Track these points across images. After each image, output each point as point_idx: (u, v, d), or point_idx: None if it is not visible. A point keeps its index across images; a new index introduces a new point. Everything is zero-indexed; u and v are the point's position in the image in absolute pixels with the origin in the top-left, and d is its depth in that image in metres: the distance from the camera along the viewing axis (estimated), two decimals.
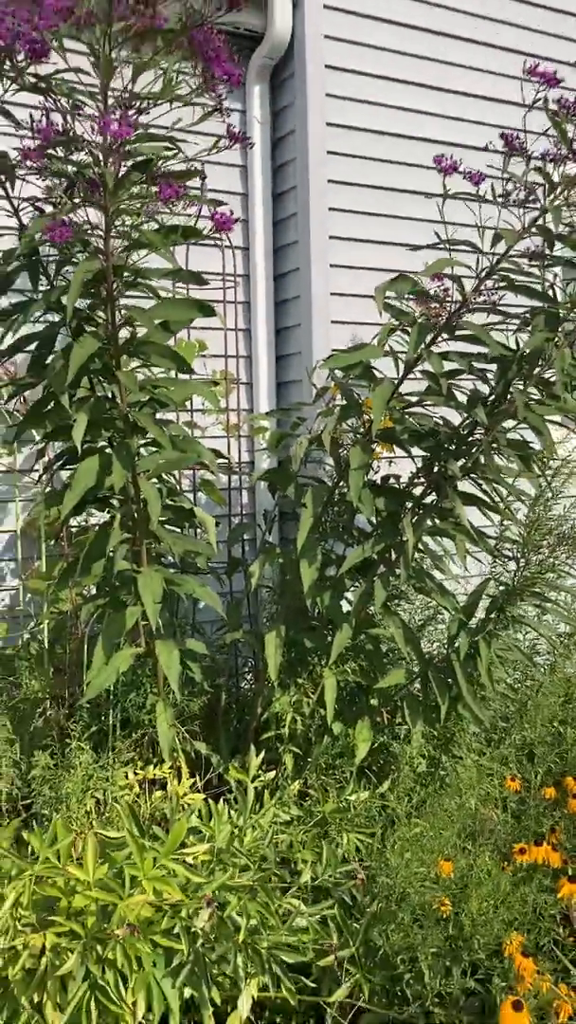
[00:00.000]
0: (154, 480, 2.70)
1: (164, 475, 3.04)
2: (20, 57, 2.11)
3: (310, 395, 3.43)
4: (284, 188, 4.13)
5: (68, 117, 2.28)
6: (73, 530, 3.34)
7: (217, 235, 2.31)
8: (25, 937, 1.81)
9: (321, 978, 2.19)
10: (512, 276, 2.57)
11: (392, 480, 3.01)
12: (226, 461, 3.58)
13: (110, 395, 2.61)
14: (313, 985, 2.15)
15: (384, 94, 4.10)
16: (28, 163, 2.20)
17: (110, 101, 2.19)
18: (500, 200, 2.49)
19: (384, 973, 2.07)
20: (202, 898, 1.79)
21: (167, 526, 2.94)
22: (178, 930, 1.85)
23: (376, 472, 3.18)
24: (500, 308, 2.66)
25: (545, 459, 2.75)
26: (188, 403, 3.71)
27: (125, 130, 2.01)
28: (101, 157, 2.14)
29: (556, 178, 2.46)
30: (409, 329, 2.55)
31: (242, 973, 1.92)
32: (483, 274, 2.54)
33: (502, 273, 2.61)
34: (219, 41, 2.12)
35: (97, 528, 2.71)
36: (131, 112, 2.25)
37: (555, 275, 2.66)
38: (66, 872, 1.86)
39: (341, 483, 2.79)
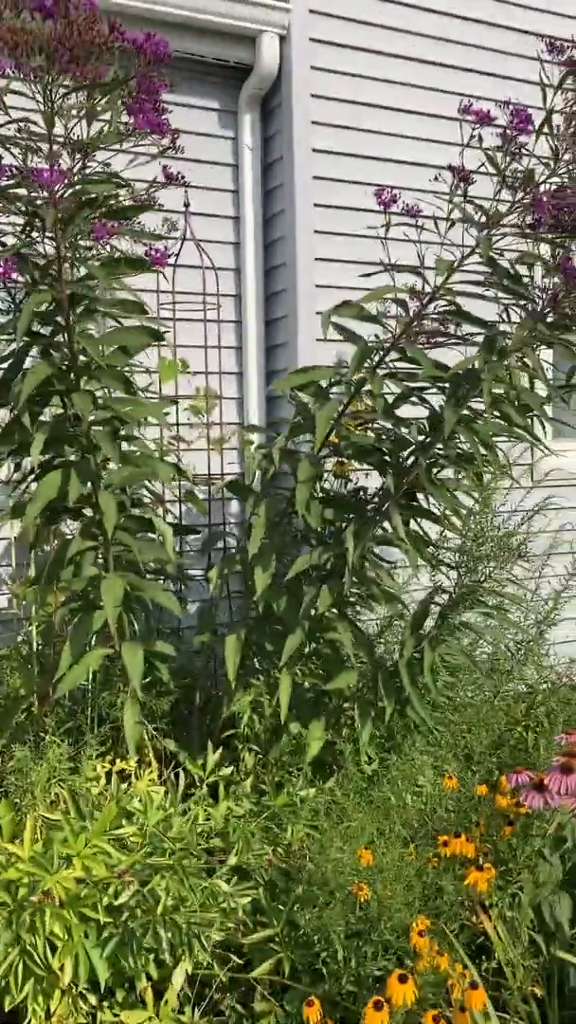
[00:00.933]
0: (117, 492, 2.89)
1: (135, 487, 3.24)
2: None
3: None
4: (274, 211, 4.31)
5: (23, 159, 2.48)
6: (69, 537, 3.54)
7: (156, 268, 2.49)
8: None
9: (253, 957, 2.35)
10: (455, 302, 2.72)
11: (361, 493, 3.17)
12: (194, 474, 3.77)
13: (77, 414, 2.81)
14: (241, 963, 2.31)
15: (366, 120, 4.27)
16: None
17: (55, 147, 2.40)
18: (439, 233, 2.64)
19: (305, 952, 2.23)
20: (120, 874, 1.97)
21: (143, 536, 3.13)
22: (106, 903, 2.03)
23: (352, 484, 3.34)
24: (445, 332, 2.81)
25: (493, 472, 2.88)
26: (173, 418, 3.91)
27: (57, 177, 2.21)
28: (45, 199, 2.34)
29: (493, 209, 2.61)
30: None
31: (165, 945, 2.09)
32: (426, 300, 2.69)
33: (448, 299, 2.75)
34: (149, 95, 2.29)
35: (67, 537, 2.92)
36: (79, 155, 2.46)
37: (496, 297, 2.79)
38: (3, 847, 2.06)
39: None
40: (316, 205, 4.18)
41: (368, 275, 2.88)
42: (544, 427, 3.21)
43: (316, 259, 4.19)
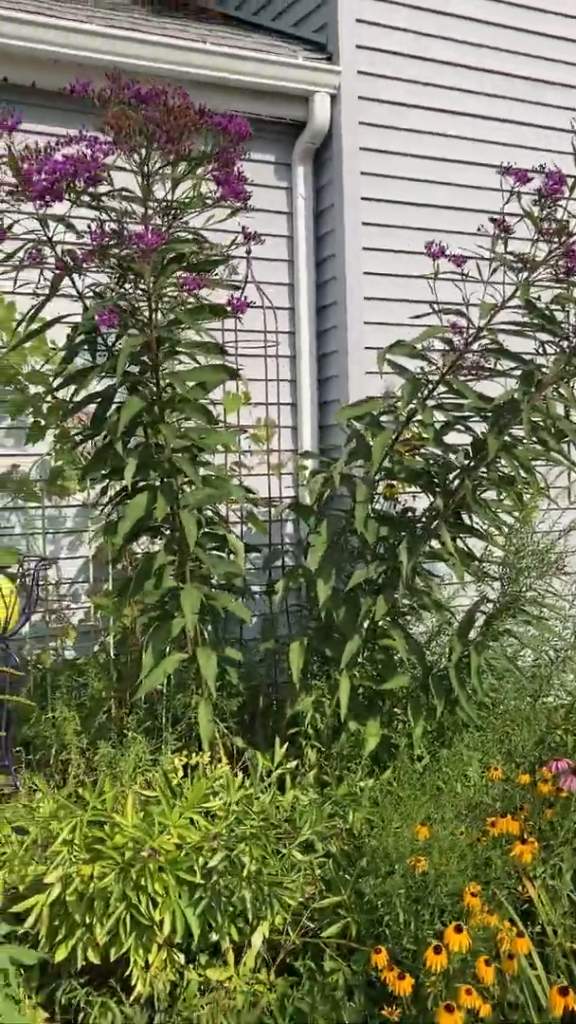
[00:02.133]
0: (195, 512, 3.23)
1: (206, 508, 3.59)
2: (80, 183, 2.72)
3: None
4: (325, 255, 4.68)
5: (119, 221, 2.86)
6: (138, 555, 3.90)
7: (238, 315, 2.84)
8: (78, 867, 2.34)
9: (322, 922, 2.65)
10: (496, 340, 3.04)
11: (410, 513, 3.49)
12: (258, 496, 4.12)
13: (159, 442, 3.17)
14: (312, 927, 2.61)
15: (411, 170, 4.63)
16: (85, 264, 2.79)
17: (149, 211, 2.77)
18: (482, 279, 2.97)
19: (369, 917, 2.52)
20: (212, 838, 2.29)
21: (214, 552, 3.47)
22: (201, 864, 2.35)
23: (403, 504, 3.65)
24: (487, 367, 3.13)
25: (532, 493, 3.19)
26: (237, 445, 4.26)
27: (155, 239, 2.58)
28: (139, 257, 2.70)
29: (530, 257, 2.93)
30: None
31: (249, 906, 2.40)
32: (470, 339, 3.02)
33: (490, 337, 3.08)
34: (233, 168, 2.66)
35: (146, 553, 3.27)
36: (168, 217, 2.84)
37: (535, 335, 3.10)
38: (110, 818, 2.39)
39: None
40: (365, 248, 4.54)
41: (419, 316, 3.21)
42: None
43: (365, 298, 4.54)
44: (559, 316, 3.17)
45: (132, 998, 2.43)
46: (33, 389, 3.74)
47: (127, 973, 2.44)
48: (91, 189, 2.78)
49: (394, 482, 3.57)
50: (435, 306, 3.07)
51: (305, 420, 4.68)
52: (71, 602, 4.23)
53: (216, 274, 3.31)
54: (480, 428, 3.23)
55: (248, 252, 4.19)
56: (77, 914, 2.36)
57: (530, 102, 4.86)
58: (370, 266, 4.54)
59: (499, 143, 4.80)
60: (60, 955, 2.38)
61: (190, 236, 2.87)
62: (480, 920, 2.28)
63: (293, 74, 4.37)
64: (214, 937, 2.55)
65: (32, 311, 3.02)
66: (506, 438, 3.06)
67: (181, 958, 2.59)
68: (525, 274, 2.86)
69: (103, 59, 3.98)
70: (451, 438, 3.36)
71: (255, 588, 4.17)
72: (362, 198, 4.54)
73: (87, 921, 2.40)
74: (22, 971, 2.47)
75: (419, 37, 4.61)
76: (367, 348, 4.51)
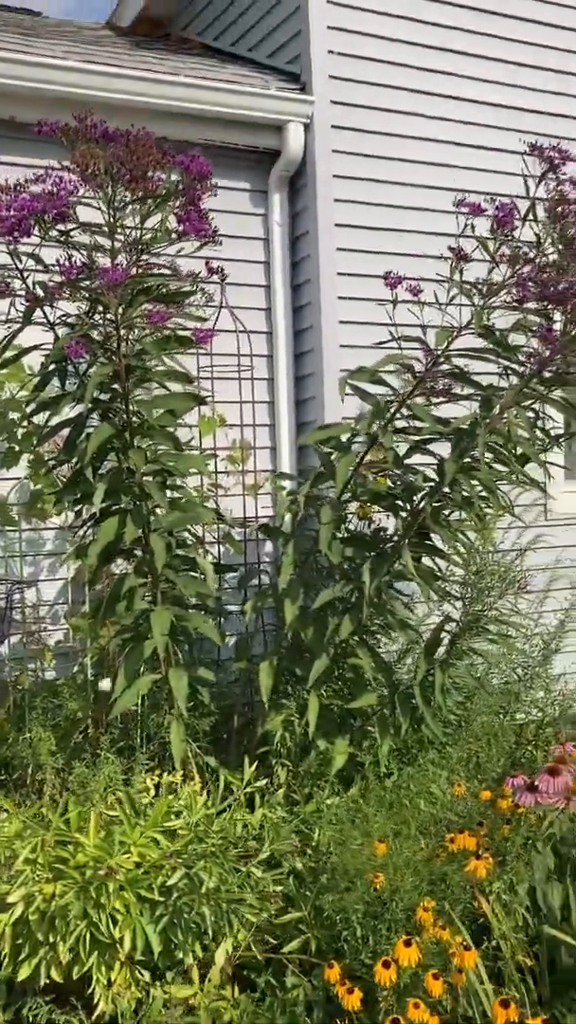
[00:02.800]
0: (166, 535, 3.30)
1: (181, 530, 3.66)
2: (48, 219, 2.80)
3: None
4: (302, 280, 4.77)
5: (88, 254, 2.95)
6: (116, 576, 3.96)
7: (201, 346, 2.92)
8: (40, 886, 2.40)
9: (284, 938, 2.70)
10: (457, 365, 3.12)
11: (382, 533, 3.55)
12: (233, 518, 4.19)
13: (131, 467, 3.24)
14: (275, 943, 2.66)
15: (382, 195, 4.72)
16: (55, 296, 2.87)
17: (117, 245, 2.86)
18: (440, 304, 3.05)
19: (328, 932, 2.57)
20: (170, 856, 2.34)
21: (188, 573, 3.53)
22: (159, 883, 2.40)
23: (376, 524, 3.72)
24: (450, 391, 3.21)
25: (493, 514, 3.25)
26: (212, 467, 4.33)
27: (119, 274, 2.66)
28: (107, 290, 2.79)
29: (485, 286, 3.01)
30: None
31: (209, 922, 2.45)
32: (429, 365, 3.09)
33: (450, 363, 3.16)
34: (197, 204, 2.74)
35: (119, 575, 3.33)
36: (136, 251, 2.92)
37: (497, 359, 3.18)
38: (73, 837, 2.44)
39: None
40: (339, 274, 4.63)
41: (382, 343, 3.28)
42: (547, 472, 3.58)
43: (340, 322, 4.63)
44: (522, 340, 3.25)
45: (95, 1016, 2.48)
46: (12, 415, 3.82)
47: (90, 991, 2.49)
48: (60, 226, 2.87)
49: (371, 503, 3.63)
50: (393, 331, 3.14)
51: (283, 441, 4.76)
52: (50, 623, 4.29)
53: (190, 302, 3.40)
54: (446, 450, 3.30)
55: (222, 280, 4.31)
56: (40, 932, 2.41)
57: (499, 128, 4.96)
58: (345, 291, 4.63)
59: (470, 168, 4.91)
60: (23, 973, 2.43)
61: (159, 269, 2.95)
62: (432, 935, 2.33)
63: (266, 104, 4.47)
64: (179, 955, 2.60)
65: (5, 340, 3.10)
66: (467, 460, 3.13)
67: (146, 976, 2.63)
68: (480, 306, 2.93)
69: (81, 93, 4.08)
70: (419, 460, 3.43)
71: (232, 608, 4.24)
72: (336, 224, 4.63)
73: (50, 940, 2.45)
74: None
75: (390, 67, 4.72)
76: (342, 370, 4.59)
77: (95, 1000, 2.48)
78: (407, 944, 2.20)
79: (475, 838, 2.61)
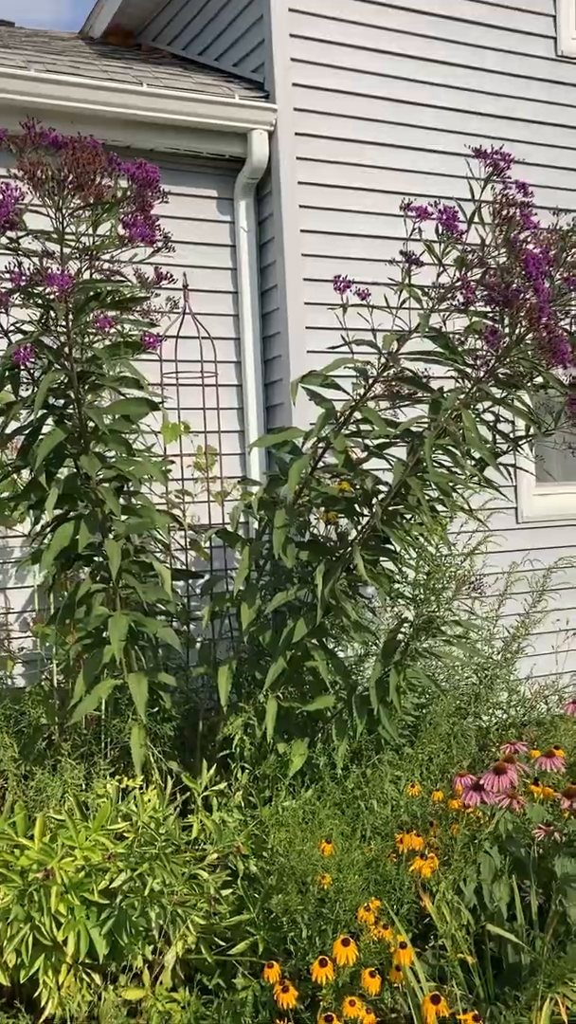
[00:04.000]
0: (122, 540, 3.31)
1: (144, 535, 3.67)
2: None
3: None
4: (269, 286, 4.79)
5: (39, 261, 2.97)
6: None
7: (150, 350, 2.94)
8: None
9: (234, 941, 2.70)
10: (407, 368, 3.14)
11: (347, 537, 3.56)
12: (198, 524, 4.20)
13: (87, 473, 3.25)
14: (225, 945, 2.67)
15: (344, 201, 4.75)
16: (4, 303, 2.89)
17: (66, 251, 2.88)
18: (391, 308, 3.07)
19: (275, 933, 2.58)
20: (110, 858, 2.35)
21: (150, 578, 3.54)
22: (102, 886, 2.41)
23: (340, 529, 3.73)
24: (405, 394, 3.22)
25: (448, 515, 3.27)
26: (180, 472, 4.35)
27: (65, 281, 2.68)
28: (56, 297, 2.81)
29: (432, 292, 3.03)
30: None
31: (155, 924, 2.46)
32: (380, 368, 3.11)
33: (400, 366, 3.17)
34: (149, 211, 2.77)
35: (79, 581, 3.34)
36: (87, 257, 2.94)
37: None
38: (17, 841, 2.45)
39: None
40: (306, 279, 4.66)
41: (335, 347, 3.31)
42: (511, 475, 3.60)
43: (307, 328, 4.65)
44: (476, 343, 3.27)
45: (43, 1019, 2.48)
46: None
47: (37, 994, 2.49)
48: (8, 232, 2.89)
49: (326, 507, 3.65)
50: (346, 335, 3.16)
51: (248, 447, 4.78)
52: (19, 631, 4.30)
53: (147, 308, 3.42)
54: (403, 454, 3.32)
55: (185, 286, 4.34)
56: None
57: (460, 132, 4.99)
58: (311, 296, 4.65)
59: (431, 173, 4.94)
60: None
61: (114, 276, 2.97)
62: (375, 934, 2.34)
63: (231, 112, 4.50)
64: (129, 957, 2.61)
65: None
66: (423, 463, 3.14)
67: (97, 979, 2.64)
68: (428, 310, 2.95)
69: (44, 103, 4.12)
70: (381, 464, 3.45)
71: (199, 614, 4.25)
72: (302, 230, 4.66)
73: None
74: None
75: (353, 74, 4.76)
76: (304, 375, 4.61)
77: (43, 1003, 2.49)
78: (344, 943, 2.21)
79: (421, 838, 2.62)
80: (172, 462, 3.79)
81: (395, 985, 2.30)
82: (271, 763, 3.32)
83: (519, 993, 2.32)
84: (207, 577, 4.13)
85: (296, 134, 4.64)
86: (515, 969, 2.47)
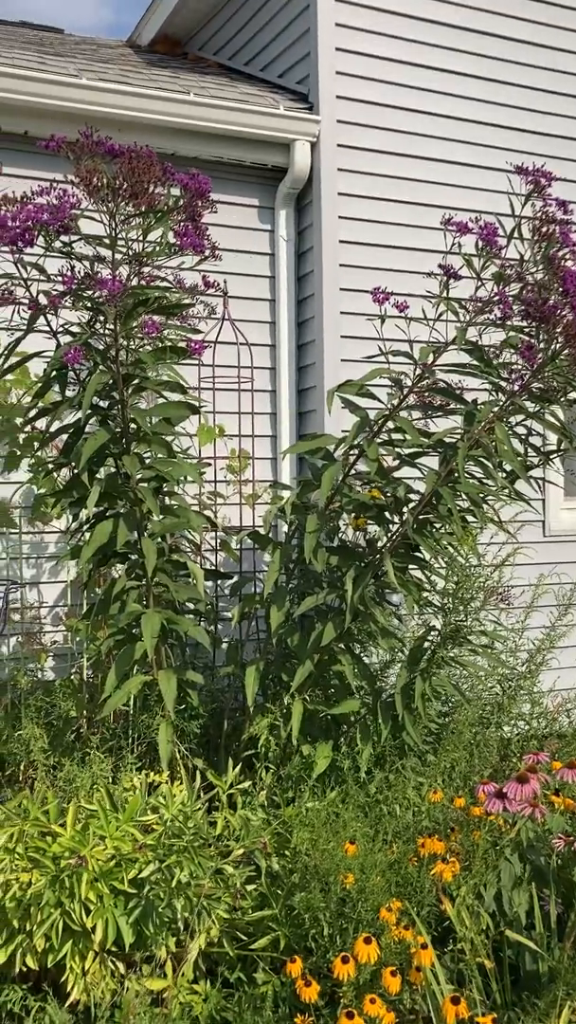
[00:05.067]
0: (158, 539, 3.38)
1: (177, 535, 3.74)
2: (51, 230, 2.91)
3: None
4: (306, 295, 4.86)
5: (91, 265, 3.05)
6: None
7: (195, 356, 3.01)
8: (17, 874, 2.48)
9: (256, 936, 2.76)
10: (443, 379, 3.19)
11: (376, 544, 3.62)
12: (231, 526, 4.26)
13: (126, 472, 3.33)
14: (246, 939, 2.72)
15: (384, 213, 4.82)
16: (56, 305, 2.97)
17: (118, 257, 2.96)
18: (428, 320, 3.12)
19: (297, 930, 2.63)
20: (140, 848, 2.42)
21: (182, 578, 3.61)
22: (131, 876, 2.48)
23: (368, 535, 3.79)
24: (441, 405, 3.28)
25: (479, 526, 3.31)
26: (211, 475, 4.42)
27: (117, 286, 2.75)
28: (106, 301, 2.89)
29: (469, 305, 3.08)
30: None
31: (180, 916, 2.52)
32: (415, 379, 3.17)
33: (435, 377, 3.23)
34: (198, 220, 2.84)
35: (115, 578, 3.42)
36: (137, 263, 3.02)
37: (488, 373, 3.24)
38: (51, 829, 2.52)
39: None
40: (342, 289, 4.72)
41: (371, 357, 3.36)
42: (540, 487, 3.64)
43: (342, 336, 4.71)
44: (511, 357, 3.32)
45: (67, 1004, 2.55)
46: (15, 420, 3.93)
47: (64, 979, 2.56)
48: (63, 237, 2.97)
49: (357, 513, 3.71)
50: (383, 346, 3.22)
51: (282, 453, 4.84)
52: (51, 625, 4.39)
53: (190, 314, 3.50)
54: (433, 463, 3.37)
55: (224, 293, 4.41)
56: (16, 920, 2.49)
57: (503, 148, 5.04)
58: (347, 306, 4.71)
59: (473, 188, 4.99)
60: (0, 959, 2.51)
61: (161, 282, 3.06)
62: (395, 935, 2.39)
63: (274, 123, 4.58)
64: (153, 948, 2.67)
65: (8, 347, 3.21)
66: (454, 474, 3.19)
67: (121, 967, 2.70)
68: (465, 323, 3.00)
69: (93, 110, 4.21)
70: (413, 473, 3.50)
71: (228, 614, 4.31)
72: (340, 241, 4.73)
73: (26, 927, 2.52)
74: None
75: (395, 88, 4.82)
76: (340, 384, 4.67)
77: (69, 988, 2.55)
78: (367, 942, 2.26)
79: (443, 843, 2.67)
80: (208, 464, 3.86)
81: (414, 986, 2.34)
82: (296, 764, 3.37)
83: (537, 1000, 2.36)
84: (235, 578, 4.19)
85: (338, 145, 4.71)
86: (533, 976, 2.51)
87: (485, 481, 3.37)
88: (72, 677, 4.11)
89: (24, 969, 2.58)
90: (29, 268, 3.08)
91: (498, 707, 3.61)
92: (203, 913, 2.56)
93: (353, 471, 3.36)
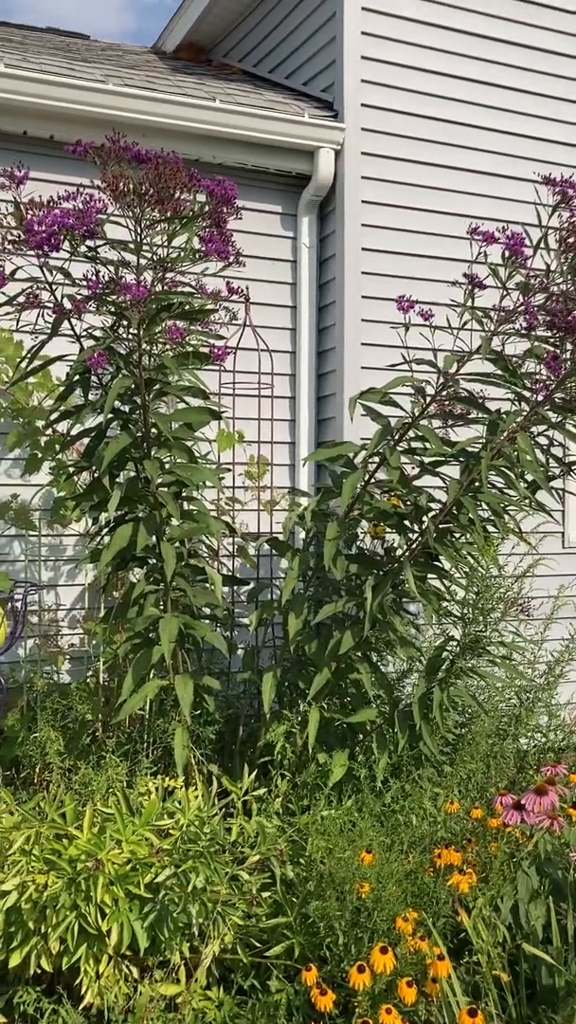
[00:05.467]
0: (177, 544, 3.39)
1: (196, 540, 3.75)
2: (77, 234, 2.92)
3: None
4: (327, 302, 4.87)
5: (115, 270, 3.06)
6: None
7: (217, 362, 3.02)
8: (34, 876, 2.48)
9: (270, 943, 2.75)
10: (465, 388, 3.18)
11: (393, 552, 3.61)
12: (248, 531, 4.26)
13: (146, 477, 3.34)
14: (260, 947, 2.71)
15: (407, 221, 4.82)
16: (80, 309, 2.98)
17: (142, 262, 2.97)
18: (452, 329, 3.12)
19: (312, 938, 2.62)
20: (157, 852, 2.42)
21: (200, 583, 3.62)
22: (147, 880, 2.47)
23: (389, 543, 3.78)
24: (462, 414, 3.27)
25: (500, 536, 3.30)
26: (230, 481, 4.43)
27: (141, 291, 2.76)
28: (130, 306, 2.90)
29: (493, 315, 3.08)
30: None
31: (196, 921, 2.51)
32: (438, 388, 3.16)
33: (458, 386, 3.22)
34: (224, 227, 2.85)
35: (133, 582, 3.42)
36: (161, 268, 3.03)
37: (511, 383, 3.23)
38: (67, 831, 2.52)
39: None
40: (364, 297, 4.72)
41: (394, 365, 3.36)
42: (561, 498, 3.62)
43: (363, 344, 4.72)
44: (533, 367, 3.31)
45: (81, 1008, 2.55)
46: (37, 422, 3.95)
47: (78, 982, 2.56)
48: (88, 242, 2.99)
49: (377, 521, 3.70)
50: (406, 354, 3.22)
51: (303, 459, 4.84)
52: (67, 628, 4.40)
53: (212, 319, 3.51)
54: (458, 473, 3.36)
55: (246, 299, 4.42)
56: (31, 921, 2.49)
57: (524, 158, 5.04)
58: (368, 313, 4.72)
59: (497, 197, 4.99)
60: (14, 961, 2.51)
61: (184, 287, 3.06)
62: (411, 945, 2.38)
63: (299, 130, 4.59)
64: (167, 952, 2.67)
65: (32, 350, 3.22)
66: (477, 483, 3.19)
67: (135, 972, 2.70)
68: (489, 333, 3.00)
69: (119, 115, 4.24)
70: (433, 482, 3.50)
71: (245, 620, 4.31)
72: (363, 249, 4.73)
73: (41, 929, 2.53)
74: None
75: (420, 96, 4.83)
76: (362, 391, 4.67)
77: (82, 991, 2.55)
78: (383, 951, 2.24)
79: (460, 854, 2.65)
80: (227, 470, 3.86)
81: (430, 997, 2.32)
82: (311, 772, 3.37)
83: (554, 1015, 2.34)
84: (253, 584, 4.20)
85: (362, 153, 4.71)
86: (549, 990, 2.49)
87: (506, 491, 3.36)
88: (88, 680, 4.12)
89: (38, 971, 2.58)
90: (54, 272, 3.10)
91: (515, 719, 3.59)
92: (218, 919, 2.55)
93: (373, 479, 3.36)
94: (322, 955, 2.63)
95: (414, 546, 3.17)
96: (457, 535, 3.38)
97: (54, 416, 3.45)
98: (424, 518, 3.36)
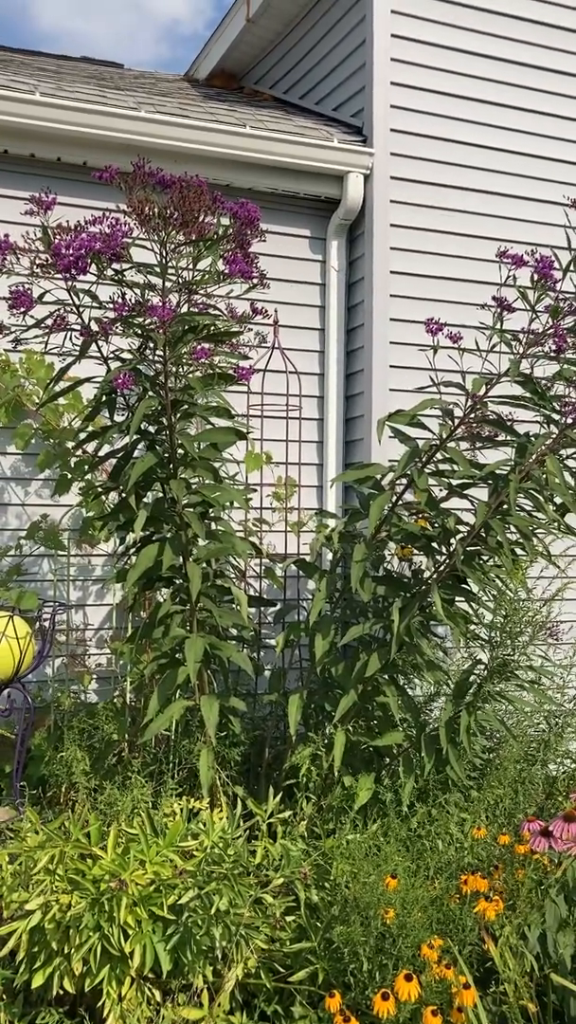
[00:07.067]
0: (203, 564, 3.40)
1: (222, 560, 3.75)
2: (104, 258, 2.96)
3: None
4: (355, 324, 4.89)
5: (141, 293, 3.10)
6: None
7: (242, 383, 3.04)
8: (57, 896, 2.48)
9: (294, 968, 2.72)
10: (493, 411, 3.17)
11: (420, 575, 3.60)
12: (275, 552, 4.26)
13: (173, 497, 3.36)
14: (284, 971, 2.68)
15: (435, 245, 4.83)
16: (107, 331, 3.02)
17: (168, 285, 3.00)
18: (481, 352, 3.12)
19: (336, 963, 2.59)
20: (180, 874, 2.41)
21: (227, 603, 3.62)
22: (171, 902, 2.46)
23: (416, 565, 3.77)
24: (491, 436, 3.26)
25: (529, 559, 3.27)
26: (257, 502, 4.44)
27: (167, 313, 2.80)
28: (156, 328, 2.93)
29: (522, 337, 3.07)
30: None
31: (219, 944, 2.50)
32: (467, 411, 3.15)
33: (486, 409, 3.21)
34: (247, 248, 2.88)
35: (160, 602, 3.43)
36: (186, 291, 3.06)
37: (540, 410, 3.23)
38: (91, 851, 2.52)
39: None
40: (392, 320, 4.73)
41: (423, 388, 3.36)
42: None
43: (391, 366, 4.72)
44: (563, 390, 3.30)
45: None
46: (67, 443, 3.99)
47: (101, 1004, 2.55)
48: (115, 265, 3.03)
49: (405, 543, 3.69)
50: (434, 377, 3.22)
51: (330, 480, 4.85)
52: (95, 647, 4.42)
53: (239, 342, 3.54)
54: (482, 495, 3.35)
55: (275, 322, 4.46)
56: (55, 942, 2.49)
57: (552, 181, 5.04)
58: (397, 336, 4.73)
59: (524, 220, 5.00)
60: (37, 981, 2.51)
61: (211, 309, 3.09)
62: (437, 973, 2.34)
63: (328, 155, 4.63)
64: (190, 976, 2.65)
65: (59, 373, 3.27)
66: (504, 506, 3.17)
67: (157, 995, 2.68)
68: (519, 356, 3.00)
69: (151, 142, 4.30)
70: (462, 504, 3.48)
71: (271, 642, 4.31)
72: (391, 272, 4.75)
73: (64, 949, 2.52)
74: (4, 996, 2.60)
75: (448, 121, 4.86)
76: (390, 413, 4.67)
77: (105, 1013, 2.54)
78: (408, 979, 2.21)
79: (487, 880, 2.61)
80: (254, 490, 3.88)
81: None
82: (337, 795, 3.34)
83: None
84: (279, 605, 4.19)
85: (391, 178, 4.74)
86: None
87: (535, 514, 3.34)
88: (115, 700, 4.13)
89: (61, 992, 2.57)
90: (81, 295, 3.14)
91: (544, 744, 3.54)
92: (241, 942, 2.53)
93: (400, 501, 3.35)
94: (346, 981, 2.60)
95: (442, 568, 3.15)
96: (485, 558, 3.37)
97: (82, 436, 3.49)
98: (452, 540, 3.35)
